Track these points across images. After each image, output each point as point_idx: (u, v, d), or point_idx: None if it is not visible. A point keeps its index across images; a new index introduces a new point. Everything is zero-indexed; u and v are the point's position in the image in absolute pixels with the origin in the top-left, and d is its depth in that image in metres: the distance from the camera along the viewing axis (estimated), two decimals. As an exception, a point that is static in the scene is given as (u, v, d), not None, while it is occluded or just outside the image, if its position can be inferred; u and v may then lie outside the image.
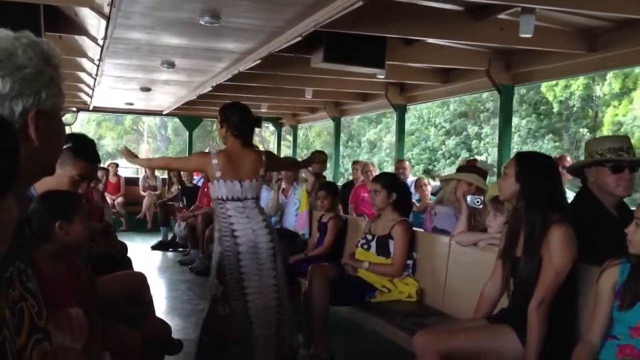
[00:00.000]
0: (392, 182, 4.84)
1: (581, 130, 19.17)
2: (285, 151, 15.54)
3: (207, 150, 4.32)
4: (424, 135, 22.33)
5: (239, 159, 4.10)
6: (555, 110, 19.16)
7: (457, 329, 3.27)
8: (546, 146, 19.03)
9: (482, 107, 20.34)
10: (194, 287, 7.58)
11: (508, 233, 3.25)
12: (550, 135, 19.42)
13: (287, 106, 12.22)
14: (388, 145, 20.98)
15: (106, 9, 4.76)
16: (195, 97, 9.77)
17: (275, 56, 6.20)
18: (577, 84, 17.02)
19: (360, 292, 4.53)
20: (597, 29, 5.79)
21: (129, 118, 31.11)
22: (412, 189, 7.96)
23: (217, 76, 7.74)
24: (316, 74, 7.50)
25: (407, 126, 19.85)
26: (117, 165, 13.85)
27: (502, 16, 5.49)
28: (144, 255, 9.65)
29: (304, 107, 12.46)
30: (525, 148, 19.29)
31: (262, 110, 11.94)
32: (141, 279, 3.69)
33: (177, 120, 27.30)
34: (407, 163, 8.92)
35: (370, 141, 22.93)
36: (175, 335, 5.02)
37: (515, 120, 19.50)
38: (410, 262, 4.68)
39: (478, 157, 15.09)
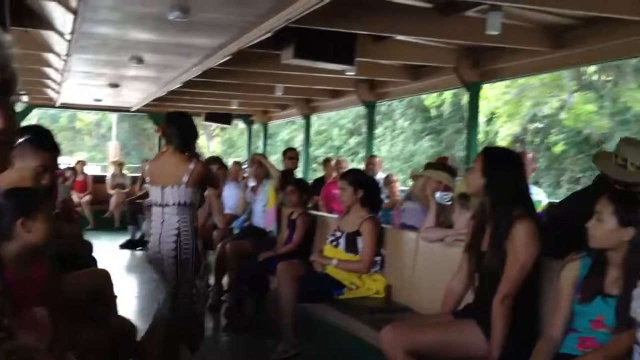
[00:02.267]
0: (360, 179, 4.85)
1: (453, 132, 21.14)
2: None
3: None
4: (330, 135, 24.31)
5: (165, 165, 4.15)
6: (432, 115, 21.29)
7: (423, 324, 3.29)
8: (426, 145, 21.26)
9: (378, 110, 21.89)
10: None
11: (474, 228, 3.29)
12: (432, 136, 21.54)
13: (258, 103, 12.18)
14: (300, 143, 22.06)
15: (74, 3, 4.70)
16: (165, 93, 9.69)
17: (245, 52, 6.18)
18: (449, 93, 18.52)
19: (329, 289, 4.53)
20: (562, 26, 5.86)
21: (64, 116, 30.67)
22: (382, 186, 8.01)
23: (187, 72, 7.68)
24: (286, 70, 7.49)
25: (317, 127, 22.01)
26: (84, 163, 13.67)
27: (470, 13, 5.54)
28: (111, 254, 9.54)
29: (274, 104, 12.43)
30: (410, 147, 21.63)
31: (233, 107, 11.90)
32: (104, 276, 3.66)
33: (115, 116, 27.30)
34: (377, 159, 8.93)
35: (284, 140, 24.53)
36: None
37: (405, 123, 21.88)
38: (378, 258, 4.69)
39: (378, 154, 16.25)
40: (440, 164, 5.36)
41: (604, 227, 2.61)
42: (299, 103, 11.44)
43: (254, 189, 6.94)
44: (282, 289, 4.54)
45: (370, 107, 9.71)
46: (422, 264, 4.40)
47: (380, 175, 8.59)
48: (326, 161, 9.23)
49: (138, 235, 10.80)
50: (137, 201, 11.12)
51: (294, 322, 4.50)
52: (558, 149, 17.59)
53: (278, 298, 4.57)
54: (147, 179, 4.15)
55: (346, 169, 7.45)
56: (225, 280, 6.32)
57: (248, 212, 6.99)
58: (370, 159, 8.91)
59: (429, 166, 5.39)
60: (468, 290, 3.35)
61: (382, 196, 7.54)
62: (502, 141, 17.70)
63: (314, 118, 12.78)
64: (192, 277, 4.18)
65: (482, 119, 18.21)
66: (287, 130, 25.02)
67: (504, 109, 17.95)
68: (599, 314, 2.62)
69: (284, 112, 12.95)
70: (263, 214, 6.59)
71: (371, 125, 9.89)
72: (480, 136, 18.39)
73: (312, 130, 22.75)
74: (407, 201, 5.67)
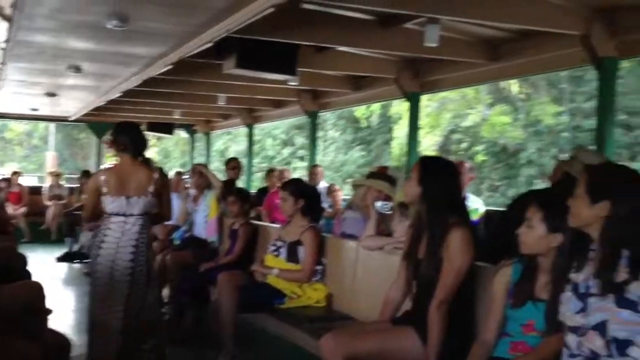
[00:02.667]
0: (300, 189, 4.87)
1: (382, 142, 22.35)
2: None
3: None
4: (264, 145, 25.06)
5: (127, 175, 4.12)
6: (362, 125, 22.35)
7: (362, 331, 3.32)
8: (356, 154, 22.13)
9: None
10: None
11: (411, 236, 3.34)
12: (362, 146, 22.48)
13: (201, 112, 12.10)
14: (234, 153, 22.70)
15: (8, 11, 4.59)
16: (105, 102, 9.52)
17: (187, 62, 6.14)
18: (377, 105, 19.54)
19: (269, 298, 4.52)
20: (498, 39, 6.02)
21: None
22: (325, 195, 8.05)
23: (127, 81, 7.58)
24: (229, 80, 7.47)
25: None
26: (19, 174, 13.30)
27: (409, 26, 5.64)
28: (48, 267, 9.29)
29: (217, 114, 12.36)
30: (340, 157, 22.51)
31: (175, 117, 11.78)
32: (36, 288, 3.57)
33: (53, 126, 26.61)
34: (320, 169, 8.98)
35: (219, 151, 25.06)
36: (82, 350, 4.87)
37: (336, 134, 22.75)
38: (319, 267, 4.71)
39: (301, 164, 16.71)
40: (380, 174, 5.41)
41: (534, 234, 2.68)
42: (242, 113, 11.41)
43: (195, 199, 6.88)
44: (223, 300, 4.51)
45: (313, 117, 9.76)
46: (362, 273, 4.43)
47: (323, 185, 8.64)
48: (269, 171, 9.22)
49: (76, 248, 10.54)
50: (75, 212, 10.85)
51: (234, 333, 4.48)
52: (479, 158, 18.53)
53: (218, 309, 4.54)
54: (104, 190, 4.05)
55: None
56: (165, 291, 6.23)
57: (189, 222, 6.93)
58: (312, 168, 8.96)
59: (370, 176, 5.44)
60: (406, 298, 3.40)
61: (325, 205, 7.60)
62: (425, 151, 18.38)
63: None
64: (146, 288, 4.16)
65: (406, 130, 19.41)
66: (221, 141, 25.44)
67: (426, 121, 18.78)
68: (529, 318, 2.69)
69: (226, 122, 12.89)
70: (204, 225, 6.54)
71: (313, 135, 9.93)
72: (407, 147, 19.34)
73: (247, 141, 23.88)
74: (348, 210, 5.71)
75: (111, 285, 4.07)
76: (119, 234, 4.06)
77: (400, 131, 19.92)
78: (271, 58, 6.06)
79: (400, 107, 19.72)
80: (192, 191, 7.10)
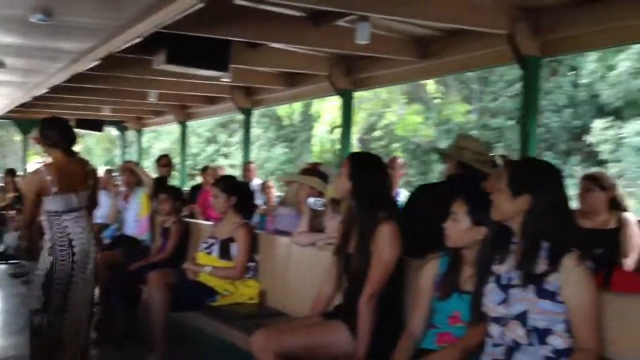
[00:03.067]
0: (232, 186, 4.84)
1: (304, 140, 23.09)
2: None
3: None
4: (188, 143, 25.39)
5: (68, 170, 4.04)
6: (285, 124, 23.08)
7: (293, 327, 3.33)
8: (279, 151, 22.78)
9: (235, 119, 23.38)
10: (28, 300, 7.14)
11: (342, 231, 3.37)
12: (285, 143, 23.16)
13: (131, 109, 11.88)
14: (158, 151, 22.92)
15: None
16: (31, 98, 9.24)
17: (116, 57, 6.03)
18: (298, 104, 20.39)
19: (201, 296, 4.49)
20: (428, 37, 6.14)
21: None
22: (259, 192, 8.04)
23: (54, 77, 7.37)
24: (161, 76, 7.36)
25: (176, 135, 21.82)
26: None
27: (341, 23, 5.68)
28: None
29: (149, 111, 12.16)
30: (264, 154, 22.94)
31: (104, 114, 11.52)
32: None
33: None
34: (252, 165, 8.96)
35: (143, 149, 25.01)
36: (8, 352, 4.73)
37: (259, 131, 23.09)
38: (252, 264, 4.70)
39: (225, 162, 16.94)
40: (313, 170, 5.44)
41: (459, 227, 2.76)
42: (175, 109, 11.27)
43: (125, 197, 6.75)
44: (153, 299, 4.44)
45: (247, 114, 9.72)
46: (294, 269, 4.44)
47: (257, 182, 8.63)
48: (204, 169, 9.13)
49: (1, 249, 10.17)
50: (1, 212, 10.49)
51: (165, 332, 4.41)
52: (397, 155, 19.28)
53: (149, 308, 4.47)
54: (54, 189, 3.93)
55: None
56: (95, 291, 6.09)
57: (119, 221, 6.79)
58: (246, 165, 8.93)
59: (302, 172, 5.46)
60: (337, 292, 3.42)
61: (259, 202, 7.58)
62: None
63: (172, 127, 12.73)
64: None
65: (324, 128, 20.62)
66: (145, 138, 25.32)
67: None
68: (455, 310, 2.76)
69: (158, 119, 12.72)
70: (135, 223, 6.43)
71: (247, 132, 9.88)
72: (328, 145, 19.97)
73: (171, 138, 23.82)
74: (281, 207, 5.71)
75: (85, 283, 4.03)
76: (80, 228, 4.01)
77: (320, 129, 21.06)
78: (202, 54, 6.01)
79: (319, 106, 20.72)
80: (123, 189, 6.97)
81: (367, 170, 3.26)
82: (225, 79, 7.06)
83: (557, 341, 2.32)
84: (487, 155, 3.73)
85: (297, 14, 5.71)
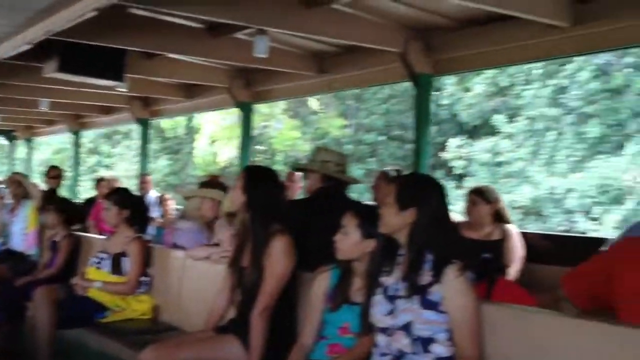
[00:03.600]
0: (124, 199, 4.72)
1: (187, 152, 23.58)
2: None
3: None
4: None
5: None
6: (169, 136, 23.44)
7: (184, 342, 3.29)
8: (163, 163, 22.97)
9: (119, 130, 23.71)
10: None
11: (236, 244, 3.36)
12: (169, 155, 23.51)
13: (21, 118, 11.37)
14: (38, 162, 21.79)
15: None
16: None
17: (4, 63, 5.77)
18: (181, 119, 20.86)
19: (90, 313, 4.34)
20: (326, 53, 6.24)
21: None
22: (156, 204, 7.87)
23: None
24: (53, 84, 7.10)
25: (56, 146, 23.09)
26: None
27: (239, 35, 5.69)
28: None
29: (40, 119, 11.69)
30: (149, 166, 22.60)
31: (-8, 122, 11.00)
32: None
33: None
34: (149, 177, 8.77)
35: (23, 159, 24.66)
36: None
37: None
38: (146, 279, 4.59)
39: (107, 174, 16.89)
40: (213, 182, 5.40)
41: (349, 240, 2.81)
42: (68, 119, 10.89)
43: (12, 210, 6.45)
44: (39, 315, 4.27)
45: (144, 125, 9.52)
46: (189, 283, 4.38)
47: (153, 194, 8.45)
48: (98, 181, 8.85)
49: None
50: None
51: (51, 349, 4.24)
52: (277, 169, 19.84)
53: (34, 325, 4.29)
54: None
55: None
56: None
57: (5, 234, 6.48)
58: (142, 177, 8.73)
59: (202, 185, 5.41)
60: (231, 305, 3.41)
61: (157, 215, 7.43)
62: (223, 162, 20.03)
63: (56, 138, 12.31)
64: None
65: (205, 141, 21.06)
66: (22, 149, 24.78)
67: (223, 133, 19.96)
68: (345, 321, 2.81)
69: (50, 128, 12.26)
70: (22, 237, 6.16)
71: (144, 144, 9.67)
72: (210, 157, 20.14)
73: (52, 149, 23.19)
74: (182, 221, 5.61)
75: None
76: None
77: (201, 142, 21.51)
78: (96, 63, 5.87)
79: (200, 120, 21.25)
80: (9, 201, 6.65)
81: (262, 184, 3.26)
82: (121, 88, 6.89)
83: (440, 349, 2.40)
84: (345, 165, 3.85)
85: (195, 25, 5.67)
